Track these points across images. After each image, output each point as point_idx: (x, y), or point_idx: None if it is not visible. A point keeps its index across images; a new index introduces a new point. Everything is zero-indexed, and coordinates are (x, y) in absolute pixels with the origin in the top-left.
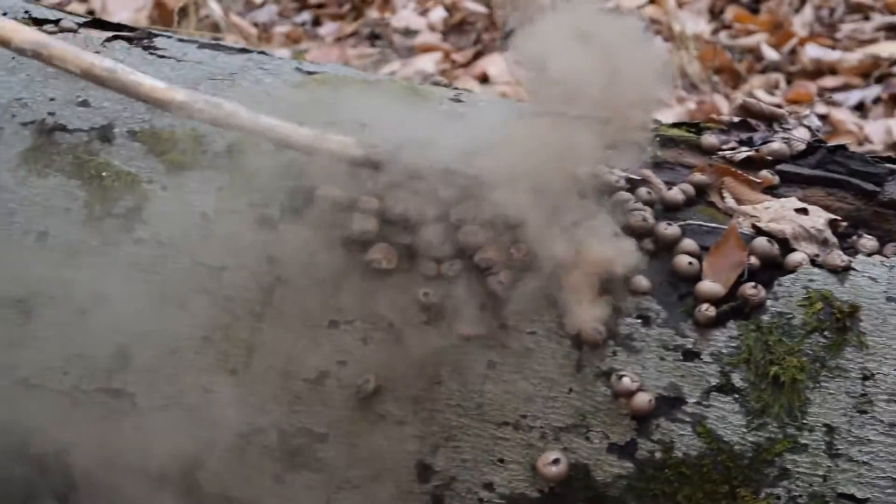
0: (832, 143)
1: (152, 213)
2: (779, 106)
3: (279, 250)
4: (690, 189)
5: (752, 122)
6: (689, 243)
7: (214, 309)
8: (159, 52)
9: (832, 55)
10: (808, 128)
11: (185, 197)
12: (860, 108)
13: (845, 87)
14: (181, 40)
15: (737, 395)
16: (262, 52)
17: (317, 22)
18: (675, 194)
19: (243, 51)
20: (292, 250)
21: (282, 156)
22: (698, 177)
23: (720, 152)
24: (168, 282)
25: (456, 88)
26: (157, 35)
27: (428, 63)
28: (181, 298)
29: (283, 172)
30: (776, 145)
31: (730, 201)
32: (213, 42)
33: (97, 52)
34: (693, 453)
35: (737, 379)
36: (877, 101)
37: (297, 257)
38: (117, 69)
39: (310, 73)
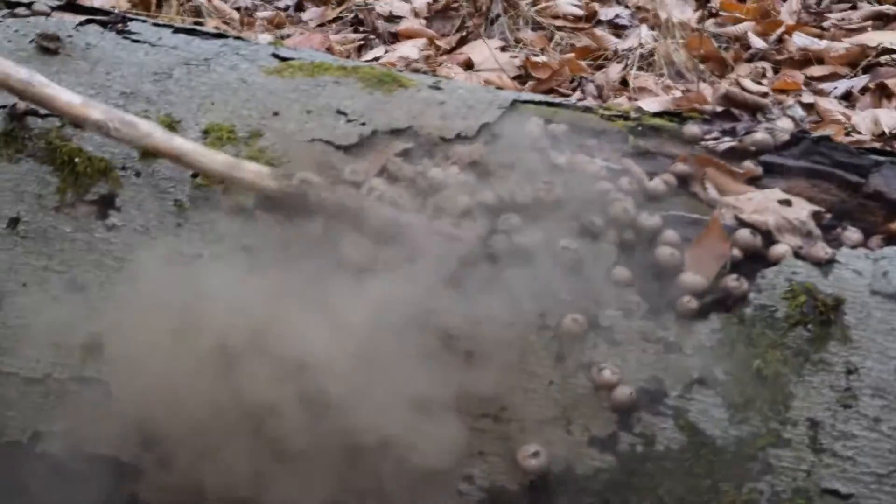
0: (818, 133)
1: (126, 200)
2: (765, 95)
3: (254, 239)
4: (672, 179)
5: (736, 111)
6: (670, 234)
7: (189, 297)
8: (133, 37)
9: (819, 44)
10: (793, 118)
11: (159, 184)
12: (847, 98)
13: (832, 77)
14: (157, 25)
15: (719, 389)
16: (239, 38)
17: (300, 7)
18: (657, 185)
19: (219, 36)
20: (267, 240)
21: (256, 142)
22: (680, 167)
23: (703, 142)
24: (142, 270)
25: (436, 76)
26: (132, 19)
27: (412, 49)
28: (155, 287)
29: (258, 159)
30: (760, 135)
31: (712, 192)
32: (189, 27)
33: (15, 63)
34: (675, 447)
35: (719, 372)
36: (864, 90)
37: (273, 247)
38: (33, 81)
39: (286, 59)
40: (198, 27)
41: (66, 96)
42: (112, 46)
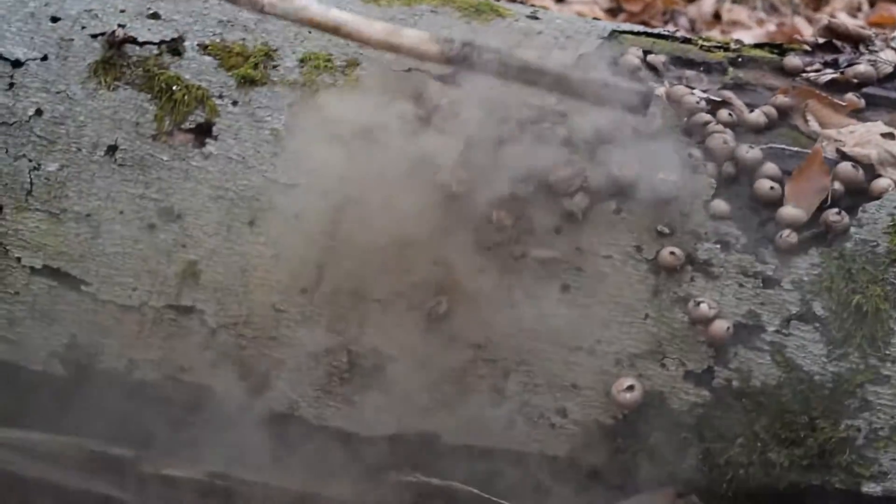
0: None
1: (222, 129)
2: (862, 28)
3: (350, 169)
4: (773, 111)
5: (838, 43)
6: (770, 167)
7: (284, 227)
8: None
9: None
10: None
11: (255, 112)
12: None
13: None
14: None
15: (818, 324)
16: None
17: None
18: (757, 116)
19: None
20: (363, 169)
21: (352, 71)
22: (781, 99)
23: (804, 74)
24: (238, 198)
25: (532, 6)
26: None
27: None
28: (251, 215)
29: (355, 88)
30: (862, 67)
31: (813, 125)
32: None
33: None
34: (772, 382)
35: (818, 307)
36: None
37: (368, 176)
38: None
39: None
40: None
41: None
42: None
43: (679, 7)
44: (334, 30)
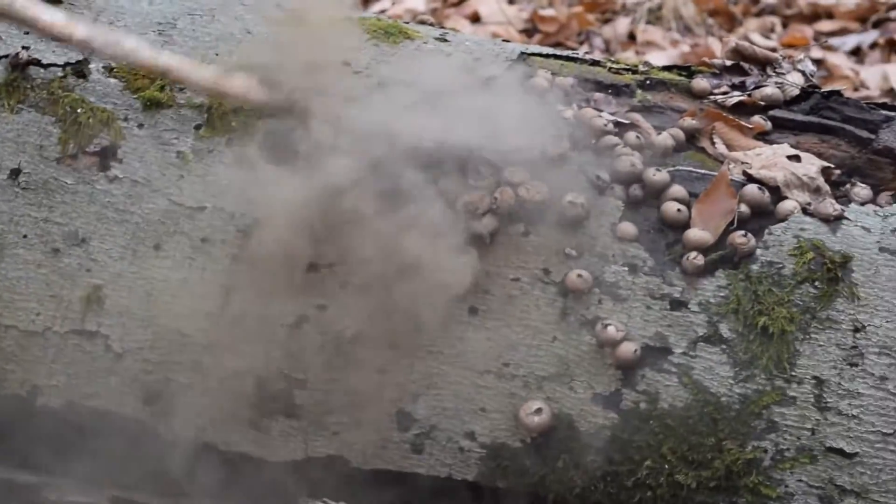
0: (827, 88)
1: (128, 152)
2: (773, 50)
3: (258, 191)
4: (680, 134)
5: (745, 66)
6: (678, 189)
7: (191, 251)
8: None
9: None
10: (803, 73)
11: (161, 135)
12: (857, 53)
13: (842, 32)
14: None
15: (724, 346)
16: None
17: None
18: (665, 139)
19: None
20: (272, 191)
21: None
22: (689, 121)
23: (712, 97)
24: (143, 222)
25: (442, 28)
26: None
27: (418, 2)
28: (157, 239)
29: (262, 110)
30: (769, 90)
31: (721, 147)
32: None
33: None
34: (679, 405)
35: (725, 329)
36: (873, 46)
37: (277, 199)
38: (14, 2)
39: (291, 10)
40: None
41: (49, 15)
42: None
43: (594, 28)
44: (164, 73)
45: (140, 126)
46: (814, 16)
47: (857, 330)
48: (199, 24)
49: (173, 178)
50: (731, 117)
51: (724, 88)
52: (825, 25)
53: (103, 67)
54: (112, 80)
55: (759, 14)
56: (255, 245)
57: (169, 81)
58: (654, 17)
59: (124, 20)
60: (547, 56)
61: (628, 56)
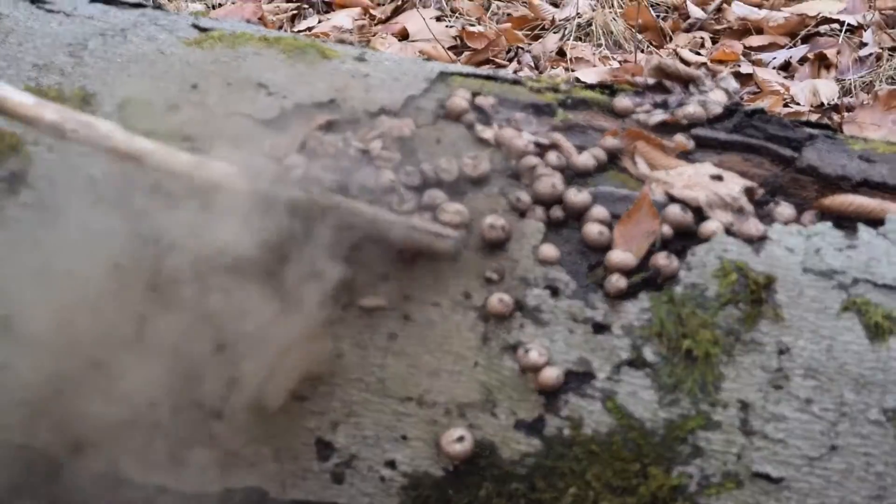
0: (754, 105)
1: (37, 177)
2: (703, 65)
3: (171, 216)
4: (602, 154)
5: (668, 83)
6: (599, 211)
7: (104, 277)
8: (47, 6)
9: (758, 14)
10: (726, 90)
11: (71, 159)
12: (786, 69)
13: (772, 47)
14: None
15: (649, 370)
16: (159, 7)
17: None
18: (586, 159)
19: (137, 5)
20: (185, 217)
21: (175, 116)
22: (610, 141)
23: (634, 115)
24: (55, 248)
25: (362, 47)
26: None
27: (345, 19)
28: (69, 266)
29: (176, 134)
30: (691, 108)
31: (643, 167)
32: None
33: None
34: (603, 430)
35: (648, 353)
36: (803, 60)
37: (192, 225)
38: None
39: (206, 29)
40: None
41: (18, 97)
42: (25, 16)
43: (523, 44)
44: (138, 160)
45: (50, 150)
46: (743, 31)
47: (781, 352)
48: (111, 45)
49: (85, 203)
50: (652, 136)
51: (647, 107)
52: (755, 40)
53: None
54: None
55: (688, 29)
56: (170, 270)
57: (145, 167)
58: (584, 32)
59: (33, 41)
60: (467, 76)
61: (558, 72)
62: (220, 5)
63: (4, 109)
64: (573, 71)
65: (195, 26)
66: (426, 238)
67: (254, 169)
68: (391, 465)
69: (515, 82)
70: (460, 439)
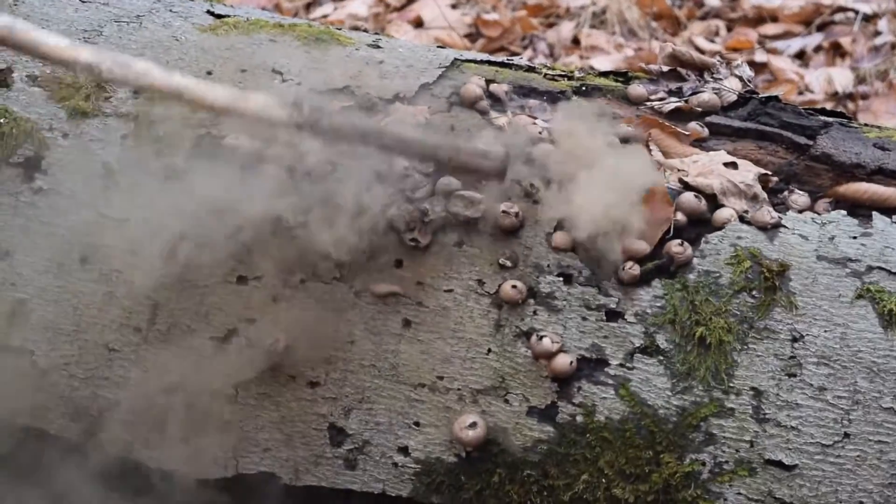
0: (770, 92)
1: (53, 163)
2: (718, 54)
3: (186, 202)
4: (617, 141)
5: (682, 71)
6: None
7: (117, 263)
8: None
9: (773, 2)
10: (740, 77)
11: (87, 146)
12: (801, 57)
13: (786, 35)
14: None
15: (661, 357)
16: None
17: None
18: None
19: None
20: (199, 203)
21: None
22: (625, 128)
23: (648, 103)
24: (69, 235)
25: (376, 34)
26: None
27: (361, 6)
28: (83, 252)
29: (190, 119)
30: (706, 96)
31: (657, 154)
32: None
33: None
34: (616, 417)
35: (662, 340)
36: (818, 49)
37: (205, 210)
38: (16, 27)
39: (221, 16)
40: None
41: (53, 39)
42: (41, 3)
43: (538, 32)
44: (177, 96)
45: (65, 136)
46: (758, 19)
47: (795, 340)
48: (126, 32)
49: (99, 189)
50: (667, 124)
51: (661, 94)
52: (770, 29)
53: (27, 76)
54: (36, 90)
55: (703, 17)
56: (182, 257)
57: (185, 103)
58: (599, 21)
59: (49, 27)
60: (481, 63)
61: (573, 60)
62: None
63: (41, 53)
64: (588, 59)
65: (210, 13)
66: (473, 159)
67: (293, 99)
68: (404, 451)
69: (530, 69)
70: (473, 425)
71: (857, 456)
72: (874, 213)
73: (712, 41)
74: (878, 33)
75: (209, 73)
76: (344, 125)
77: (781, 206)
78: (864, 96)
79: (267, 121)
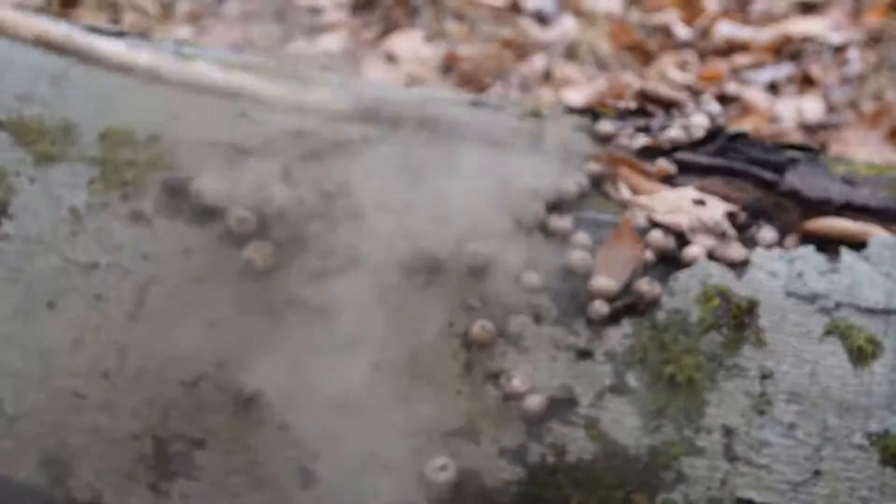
0: (741, 124)
1: (19, 208)
2: (688, 87)
3: (153, 247)
4: (584, 179)
5: (650, 108)
6: (582, 237)
7: (85, 309)
8: None
9: (744, 32)
10: (708, 114)
11: (53, 190)
12: (772, 87)
13: (757, 65)
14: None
15: (632, 397)
16: (142, 35)
17: None
18: (568, 185)
19: (120, 34)
20: (167, 247)
21: (155, 146)
22: (592, 166)
23: (616, 140)
24: (36, 280)
25: (345, 74)
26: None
27: (334, 42)
28: (50, 298)
29: (157, 163)
30: (674, 132)
31: (625, 192)
32: (89, 25)
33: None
34: (587, 457)
35: (631, 379)
36: (789, 79)
37: (173, 254)
38: (74, 34)
39: (189, 57)
40: (97, 25)
41: (111, 45)
42: (6, 48)
43: (510, 66)
44: (235, 94)
45: (32, 181)
46: (729, 49)
47: (764, 377)
48: (93, 75)
49: (66, 234)
50: (634, 161)
51: (629, 131)
52: (741, 59)
53: None
54: (2, 134)
55: (675, 49)
56: (151, 301)
57: (243, 99)
58: (571, 54)
59: (14, 72)
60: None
61: (545, 93)
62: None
63: (100, 58)
64: (560, 91)
65: (177, 54)
66: None
67: (352, 91)
68: (374, 494)
69: (497, 108)
70: (444, 467)
71: (828, 493)
72: (842, 248)
73: (683, 72)
74: (847, 62)
75: (176, 116)
76: (403, 113)
77: (750, 243)
78: (835, 126)
79: (330, 113)
